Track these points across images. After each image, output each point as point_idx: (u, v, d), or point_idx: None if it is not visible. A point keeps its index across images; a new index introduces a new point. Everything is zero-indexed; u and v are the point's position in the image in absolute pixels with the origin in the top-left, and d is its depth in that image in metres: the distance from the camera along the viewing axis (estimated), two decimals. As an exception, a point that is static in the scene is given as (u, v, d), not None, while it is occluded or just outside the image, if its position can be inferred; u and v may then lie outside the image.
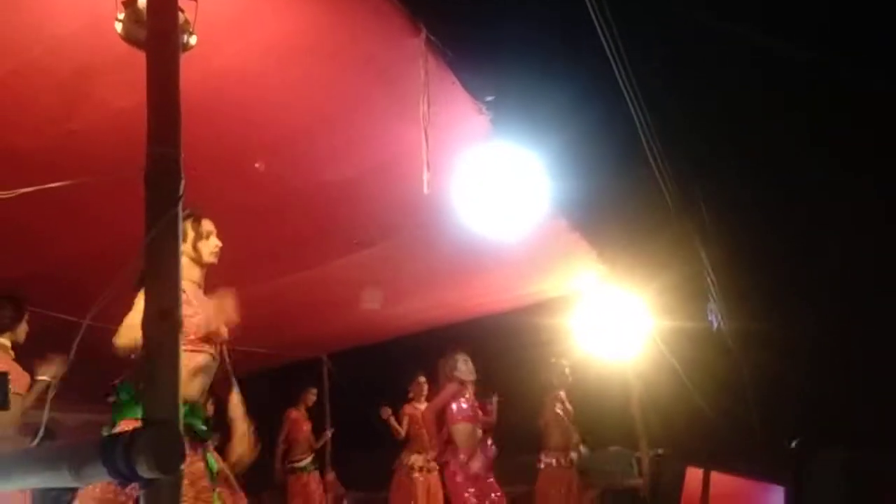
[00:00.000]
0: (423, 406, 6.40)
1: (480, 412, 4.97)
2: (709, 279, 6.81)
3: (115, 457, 1.61)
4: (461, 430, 4.88)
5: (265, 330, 5.42)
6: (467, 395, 4.96)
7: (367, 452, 7.70)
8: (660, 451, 6.76)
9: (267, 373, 7.10)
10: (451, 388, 4.93)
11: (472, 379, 4.94)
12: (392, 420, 6.66)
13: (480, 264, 5.05)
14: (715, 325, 7.62)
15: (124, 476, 1.61)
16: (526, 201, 3.79)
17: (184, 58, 2.19)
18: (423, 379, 6.67)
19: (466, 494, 4.73)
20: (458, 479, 4.79)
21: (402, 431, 6.60)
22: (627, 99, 4.20)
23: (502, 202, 3.73)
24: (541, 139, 3.85)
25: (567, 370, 5.87)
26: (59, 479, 1.72)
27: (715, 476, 6.26)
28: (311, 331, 6.55)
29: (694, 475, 6.47)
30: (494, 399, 5.23)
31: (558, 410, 5.71)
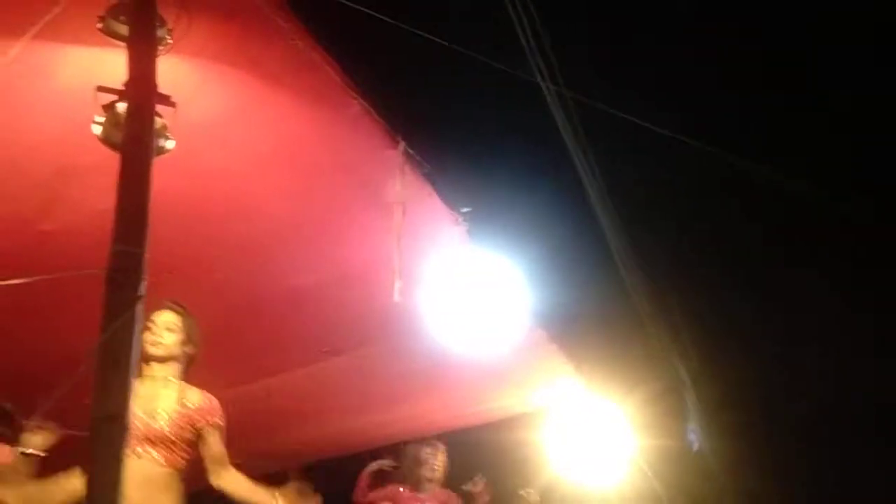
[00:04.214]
0: None
1: None
2: (686, 396, 6.71)
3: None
4: None
5: (230, 441, 5.20)
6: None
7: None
8: None
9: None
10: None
11: (431, 476, 4.56)
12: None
13: (453, 375, 4.95)
14: (695, 445, 7.41)
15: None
16: (501, 312, 3.77)
17: (159, 161, 2.23)
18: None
19: None
20: None
21: None
22: (598, 212, 4.31)
23: (477, 313, 3.71)
24: (518, 249, 3.89)
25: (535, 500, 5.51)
26: None
27: None
28: (277, 444, 6.29)
29: None
30: None
31: None
